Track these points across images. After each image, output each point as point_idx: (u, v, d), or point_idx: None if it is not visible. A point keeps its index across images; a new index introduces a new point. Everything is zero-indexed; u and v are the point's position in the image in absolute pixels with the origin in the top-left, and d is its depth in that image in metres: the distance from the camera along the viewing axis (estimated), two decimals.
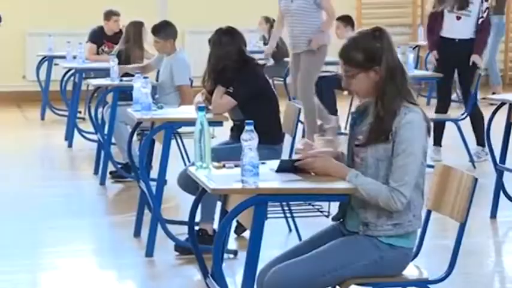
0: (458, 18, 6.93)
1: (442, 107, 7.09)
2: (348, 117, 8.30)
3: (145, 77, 5.06)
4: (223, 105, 4.80)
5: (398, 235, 3.02)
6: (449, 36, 6.97)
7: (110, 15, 8.70)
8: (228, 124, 4.92)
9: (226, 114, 4.91)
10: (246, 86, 4.77)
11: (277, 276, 2.94)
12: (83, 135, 7.99)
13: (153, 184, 4.86)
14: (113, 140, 6.58)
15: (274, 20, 10.28)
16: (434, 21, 7.01)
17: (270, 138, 4.67)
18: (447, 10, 6.94)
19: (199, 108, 3.32)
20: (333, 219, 3.17)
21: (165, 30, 6.34)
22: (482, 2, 6.86)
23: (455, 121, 6.96)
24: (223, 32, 4.86)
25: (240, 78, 4.77)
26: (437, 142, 7.10)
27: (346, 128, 8.27)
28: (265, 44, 10.37)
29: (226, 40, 4.80)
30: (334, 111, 8.64)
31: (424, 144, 2.99)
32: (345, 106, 8.41)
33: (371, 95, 3.06)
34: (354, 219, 3.08)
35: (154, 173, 5.32)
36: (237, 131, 4.83)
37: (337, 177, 3.03)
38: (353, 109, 3.20)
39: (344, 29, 8.52)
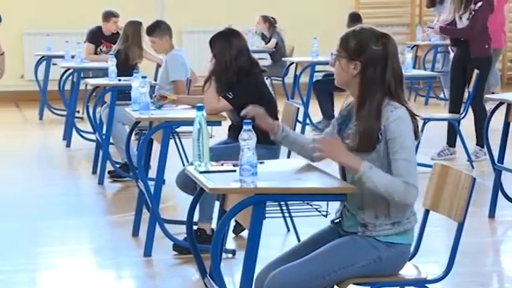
0: (461, 17, 6.99)
1: (453, 107, 7.09)
2: None
3: (143, 77, 5.06)
4: (218, 109, 4.78)
5: (396, 233, 3.01)
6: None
7: (109, 16, 8.68)
8: (226, 123, 4.91)
9: (224, 114, 4.90)
10: (246, 93, 4.72)
11: (277, 279, 2.93)
12: (81, 135, 7.98)
13: (151, 184, 4.86)
14: (111, 140, 6.57)
15: (273, 19, 10.29)
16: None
17: (268, 139, 4.64)
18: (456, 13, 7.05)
19: (198, 108, 3.32)
20: (332, 221, 3.17)
21: (158, 28, 6.34)
22: (476, 2, 6.90)
23: (454, 121, 6.97)
24: (230, 33, 4.80)
25: (242, 83, 4.73)
26: (450, 143, 7.15)
27: None
28: (265, 42, 10.34)
29: (236, 42, 4.76)
30: (331, 113, 8.64)
31: (413, 139, 2.99)
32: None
33: (345, 86, 3.08)
34: (350, 219, 3.07)
35: (152, 173, 5.31)
36: (234, 131, 4.82)
37: (349, 165, 2.98)
38: (336, 115, 3.21)
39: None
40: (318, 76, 9.11)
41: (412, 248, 3.11)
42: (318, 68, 8.82)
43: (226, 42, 4.75)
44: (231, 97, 4.73)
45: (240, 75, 4.73)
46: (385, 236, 3.00)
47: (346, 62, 3.05)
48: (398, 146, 2.95)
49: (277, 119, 4.89)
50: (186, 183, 4.56)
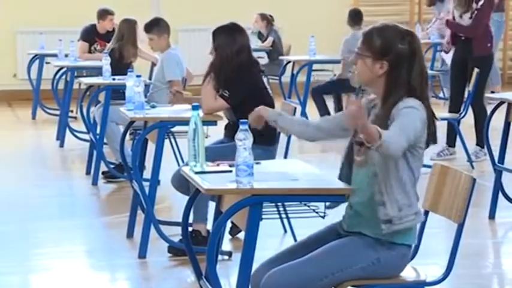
0: (461, 16, 6.97)
1: (453, 107, 7.05)
2: None
3: (138, 76, 5.00)
4: (215, 108, 4.71)
5: (397, 231, 2.95)
6: (458, 34, 7.05)
7: (105, 14, 8.60)
8: (222, 123, 4.85)
9: (221, 113, 4.84)
10: (243, 90, 4.67)
11: (273, 280, 2.90)
12: (74, 135, 7.93)
13: (146, 184, 4.80)
14: (105, 140, 6.51)
15: (271, 16, 10.23)
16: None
17: (265, 139, 4.60)
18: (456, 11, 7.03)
19: (193, 107, 3.27)
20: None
21: (157, 26, 6.29)
22: (477, 1, 6.86)
23: (453, 121, 6.92)
24: (234, 28, 4.73)
25: (238, 81, 4.68)
26: (450, 143, 7.11)
27: None
28: (262, 40, 10.27)
29: (239, 38, 4.69)
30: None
31: (417, 127, 2.88)
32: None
33: (367, 85, 3.03)
34: (353, 218, 3.03)
35: (147, 173, 5.26)
36: (231, 130, 4.76)
37: (373, 132, 2.78)
38: None
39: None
40: (316, 75, 9.09)
41: (412, 250, 3.06)
42: (323, 66, 8.75)
43: (230, 37, 4.69)
44: (227, 95, 4.67)
45: (239, 72, 4.67)
46: (388, 235, 2.94)
47: (371, 62, 2.98)
48: (402, 114, 2.86)
49: None
50: (181, 183, 4.51)
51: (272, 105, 4.83)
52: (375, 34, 2.98)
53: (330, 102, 8.62)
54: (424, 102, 2.96)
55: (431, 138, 2.98)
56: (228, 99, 4.67)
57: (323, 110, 8.54)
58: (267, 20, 10.20)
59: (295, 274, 2.90)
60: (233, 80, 4.67)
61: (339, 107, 8.75)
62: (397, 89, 2.96)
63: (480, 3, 6.87)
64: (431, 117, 2.97)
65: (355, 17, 8.42)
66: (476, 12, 6.86)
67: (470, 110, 6.95)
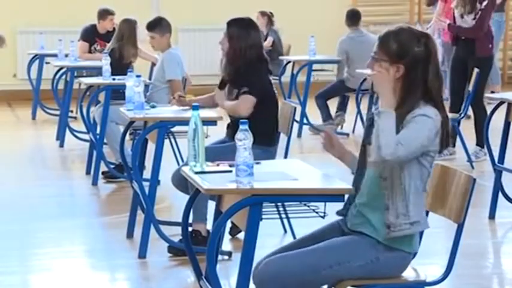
0: (462, 16, 6.96)
1: (454, 107, 7.04)
2: (355, 118, 8.31)
3: (138, 76, 5.00)
4: (249, 106, 4.63)
5: (398, 237, 2.96)
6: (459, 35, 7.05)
7: (106, 14, 8.60)
8: (223, 123, 4.85)
9: (223, 113, 4.84)
10: (260, 84, 4.68)
11: (269, 267, 2.91)
12: (74, 135, 7.92)
13: (146, 184, 4.80)
14: (105, 140, 6.51)
15: (271, 13, 10.21)
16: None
17: (265, 140, 4.61)
18: (457, 11, 7.01)
19: (194, 107, 3.27)
20: (337, 213, 3.12)
21: (160, 25, 6.30)
22: (480, 2, 6.86)
23: (453, 121, 6.92)
24: (250, 23, 4.75)
25: (254, 75, 4.67)
26: (450, 143, 7.12)
27: (353, 130, 8.31)
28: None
29: (254, 34, 4.70)
30: (329, 117, 8.58)
31: (430, 135, 2.90)
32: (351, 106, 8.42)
33: (383, 88, 2.99)
34: (357, 217, 3.03)
35: (147, 173, 5.26)
36: (233, 129, 4.75)
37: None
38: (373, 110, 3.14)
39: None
40: (316, 75, 9.05)
41: (412, 256, 3.06)
42: (323, 66, 8.73)
43: (245, 31, 4.70)
44: (248, 90, 4.65)
45: (248, 68, 4.67)
46: (389, 239, 2.95)
47: (387, 66, 2.98)
48: (413, 121, 2.89)
49: (277, 115, 4.83)
50: (181, 181, 4.51)
51: (276, 106, 4.84)
52: (391, 38, 2.99)
53: (331, 104, 8.63)
54: (439, 105, 2.97)
55: (445, 142, 2.97)
56: (252, 94, 4.63)
57: (325, 113, 8.54)
58: (268, 16, 10.17)
59: (291, 263, 2.90)
60: (243, 74, 4.67)
61: (341, 107, 8.73)
62: (413, 91, 2.96)
63: (484, 3, 6.86)
64: (445, 121, 2.97)
65: (353, 18, 8.41)
66: (480, 12, 6.86)
67: (470, 110, 6.94)
